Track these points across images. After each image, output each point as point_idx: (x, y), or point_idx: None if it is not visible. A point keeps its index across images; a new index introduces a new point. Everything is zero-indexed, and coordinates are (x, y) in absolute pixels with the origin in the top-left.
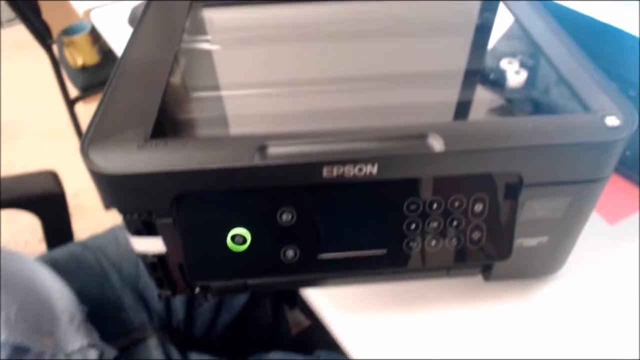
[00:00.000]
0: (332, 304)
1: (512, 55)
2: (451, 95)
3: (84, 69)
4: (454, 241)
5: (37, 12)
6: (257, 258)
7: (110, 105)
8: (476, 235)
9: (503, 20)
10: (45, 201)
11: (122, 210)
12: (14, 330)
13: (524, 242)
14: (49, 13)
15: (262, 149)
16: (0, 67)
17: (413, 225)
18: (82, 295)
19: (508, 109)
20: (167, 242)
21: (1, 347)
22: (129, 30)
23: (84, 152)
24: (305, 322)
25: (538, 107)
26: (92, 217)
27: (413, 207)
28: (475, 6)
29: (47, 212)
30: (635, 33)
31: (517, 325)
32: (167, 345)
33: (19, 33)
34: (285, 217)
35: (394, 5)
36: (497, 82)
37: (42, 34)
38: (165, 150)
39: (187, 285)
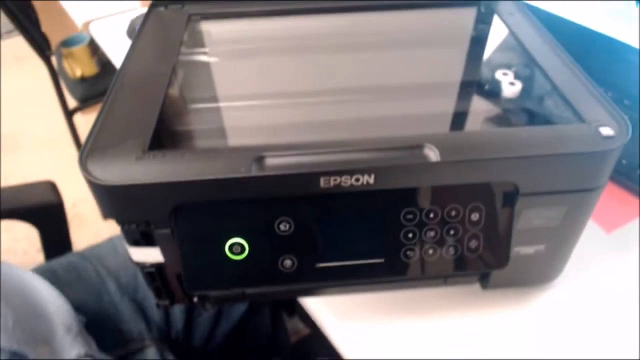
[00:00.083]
0: (330, 312)
1: (507, 66)
2: (447, 106)
3: (83, 80)
4: (451, 250)
5: (36, 23)
6: (255, 267)
7: (108, 117)
8: (473, 244)
9: (497, 32)
10: (44, 211)
11: (121, 221)
12: (12, 338)
13: (520, 250)
14: (48, 25)
15: (260, 159)
16: (0, 79)
17: (410, 235)
18: (81, 305)
19: (503, 119)
20: (165, 252)
21: (1, 352)
22: (128, 42)
23: (82, 163)
24: (305, 330)
25: (533, 118)
26: (90, 227)
27: (410, 216)
28: (470, 18)
29: (45, 223)
30: (629, 42)
31: (515, 333)
32: (165, 355)
33: (18, 44)
34: (283, 226)
35: (390, 18)
36: (492, 93)
37: (41, 45)
38: (163, 161)
39: (185, 295)
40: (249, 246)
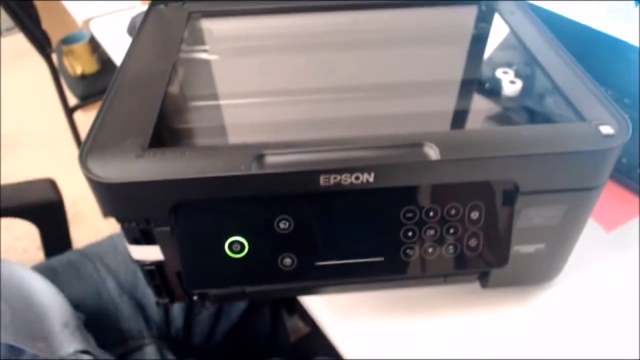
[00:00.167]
0: (330, 310)
1: (508, 64)
2: (447, 104)
3: (83, 77)
4: (451, 248)
5: (36, 21)
6: (255, 266)
7: (108, 114)
8: (473, 242)
9: (498, 31)
10: (44, 209)
11: (120, 219)
12: (10, 334)
13: (520, 249)
14: (48, 22)
15: (260, 157)
16: (0, 76)
17: (410, 233)
18: (80, 303)
19: (503, 118)
20: (165, 250)
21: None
22: (128, 39)
23: (82, 161)
24: (304, 328)
25: (533, 116)
26: (90, 225)
27: (410, 214)
28: (470, 16)
29: (45, 220)
30: (630, 41)
31: (514, 332)
32: (165, 353)
33: (18, 42)
34: (283, 225)
35: (390, 16)
36: (492, 91)
37: (41, 42)
38: (163, 159)
39: (185, 293)
40: (249, 244)
